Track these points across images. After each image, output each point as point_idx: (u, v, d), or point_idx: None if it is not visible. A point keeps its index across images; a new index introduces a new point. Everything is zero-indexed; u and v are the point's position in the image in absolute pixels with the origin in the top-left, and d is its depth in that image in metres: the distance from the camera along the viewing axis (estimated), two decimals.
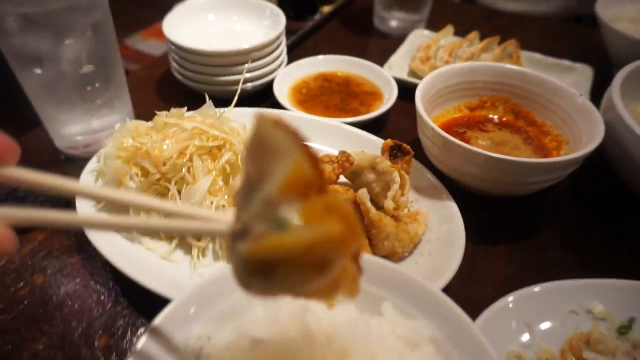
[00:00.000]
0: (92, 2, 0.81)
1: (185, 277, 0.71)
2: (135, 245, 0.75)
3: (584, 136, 0.84)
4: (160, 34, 1.84)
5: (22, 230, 0.80)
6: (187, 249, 0.76)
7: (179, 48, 1.01)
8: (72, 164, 0.94)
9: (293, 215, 0.33)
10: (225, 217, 0.39)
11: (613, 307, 0.69)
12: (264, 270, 0.34)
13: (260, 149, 0.35)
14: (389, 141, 0.81)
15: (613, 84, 0.90)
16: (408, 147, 0.80)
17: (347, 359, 0.49)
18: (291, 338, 0.49)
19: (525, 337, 0.67)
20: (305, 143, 0.33)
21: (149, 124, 0.80)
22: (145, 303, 0.68)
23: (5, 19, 0.75)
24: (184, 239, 0.75)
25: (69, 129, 0.91)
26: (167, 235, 0.72)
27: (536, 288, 0.69)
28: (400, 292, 0.57)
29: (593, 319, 0.69)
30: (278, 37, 1.06)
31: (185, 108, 0.79)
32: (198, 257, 0.74)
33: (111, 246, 0.72)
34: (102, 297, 0.73)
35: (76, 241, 0.80)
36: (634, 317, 0.69)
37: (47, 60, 0.79)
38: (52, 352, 0.66)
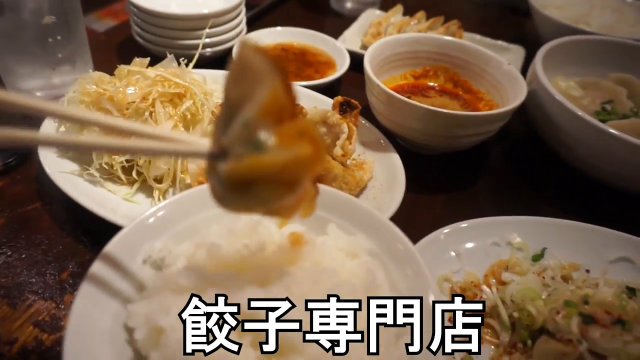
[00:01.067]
0: None
1: None
2: (98, 188, 0.78)
3: (510, 98, 0.95)
4: (117, 14, 1.85)
5: None
6: (148, 192, 0.80)
7: (142, 11, 1.05)
8: (31, 121, 0.95)
9: (269, 139, 0.37)
10: (204, 141, 0.43)
11: (529, 239, 0.80)
12: (242, 187, 0.38)
13: (242, 73, 0.39)
14: (339, 97, 0.89)
15: (536, 57, 1.02)
16: (356, 102, 0.88)
17: (295, 263, 0.56)
18: (245, 245, 0.55)
19: (455, 264, 0.76)
20: (283, 70, 0.37)
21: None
22: (107, 240, 0.71)
23: None
24: (146, 182, 0.79)
25: (28, 83, 0.93)
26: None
27: (464, 223, 0.79)
28: (344, 215, 0.64)
29: (512, 249, 0.79)
30: (237, 6, 1.12)
31: (149, 59, 0.83)
32: (159, 198, 0.79)
33: (74, 188, 0.75)
34: (64, 237, 0.76)
35: (37, 188, 0.82)
36: (546, 247, 0.80)
37: (9, 9, 0.81)
38: (13, 283, 0.68)
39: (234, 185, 0.39)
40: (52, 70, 0.92)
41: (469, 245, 0.78)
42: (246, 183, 0.38)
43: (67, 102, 0.78)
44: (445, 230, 0.77)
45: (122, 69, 0.81)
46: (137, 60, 0.82)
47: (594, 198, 0.96)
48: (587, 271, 0.77)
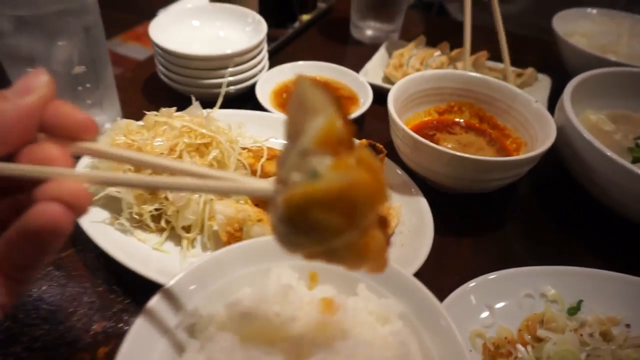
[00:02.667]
0: (84, 7, 0.85)
1: (176, 266, 0.75)
2: (128, 237, 0.79)
3: (539, 138, 0.93)
4: (140, 38, 1.88)
5: None
6: (177, 241, 0.80)
7: (165, 52, 1.06)
8: None
9: (325, 167, 0.36)
10: (265, 182, 0.42)
11: (564, 290, 0.77)
12: (299, 219, 0.37)
13: (299, 107, 0.38)
14: (364, 141, 0.88)
15: (564, 93, 1.00)
16: (381, 146, 0.87)
17: (327, 332, 0.55)
18: (277, 313, 0.55)
19: (487, 318, 0.74)
20: (339, 103, 0.37)
21: (139, 123, 0.85)
22: (138, 291, 0.72)
23: (0, 20, 0.78)
24: (174, 230, 0.79)
25: None
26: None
27: (496, 274, 0.77)
28: (373, 275, 0.63)
29: (546, 301, 0.77)
30: (260, 44, 1.12)
31: (175, 108, 0.84)
32: (187, 248, 0.79)
33: (104, 237, 0.75)
34: (96, 286, 0.76)
35: (70, 234, 0.83)
36: (582, 300, 0.77)
37: (40, 61, 0.83)
38: (50, 336, 0.69)
39: (291, 217, 0.37)
40: None
41: (501, 297, 0.76)
42: (303, 213, 0.36)
43: None
44: (476, 281, 0.75)
45: (150, 118, 0.82)
46: (163, 110, 0.83)
47: (631, 242, 0.93)
48: (628, 325, 0.74)
